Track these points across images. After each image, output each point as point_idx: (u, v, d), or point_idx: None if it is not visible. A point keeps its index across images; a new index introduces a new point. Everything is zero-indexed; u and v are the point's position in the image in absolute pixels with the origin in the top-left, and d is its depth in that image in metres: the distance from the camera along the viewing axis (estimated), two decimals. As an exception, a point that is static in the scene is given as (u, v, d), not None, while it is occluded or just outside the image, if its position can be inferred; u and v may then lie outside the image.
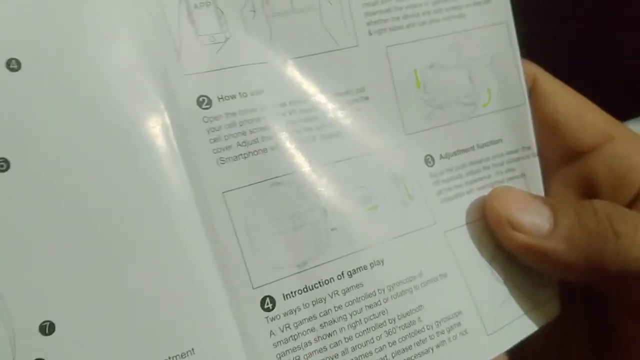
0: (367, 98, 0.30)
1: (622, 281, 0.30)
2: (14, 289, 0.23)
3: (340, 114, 0.29)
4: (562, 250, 0.30)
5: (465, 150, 0.32)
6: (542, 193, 0.34)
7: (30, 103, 0.24)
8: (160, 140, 0.26)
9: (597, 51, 0.44)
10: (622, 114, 0.34)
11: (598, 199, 0.32)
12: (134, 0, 0.26)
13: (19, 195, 0.24)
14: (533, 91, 0.34)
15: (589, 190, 0.33)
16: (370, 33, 0.30)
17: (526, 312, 0.32)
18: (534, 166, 0.34)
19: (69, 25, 0.25)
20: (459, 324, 0.30)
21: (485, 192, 0.32)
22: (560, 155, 0.34)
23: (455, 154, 0.32)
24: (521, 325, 0.32)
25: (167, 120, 0.26)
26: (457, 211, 0.32)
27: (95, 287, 0.24)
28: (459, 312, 0.30)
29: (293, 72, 0.28)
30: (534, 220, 0.31)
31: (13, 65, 0.24)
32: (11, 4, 0.24)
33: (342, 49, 0.29)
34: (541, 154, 0.34)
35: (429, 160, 0.31)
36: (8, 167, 0.24)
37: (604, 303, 0.33)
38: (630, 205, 0.32)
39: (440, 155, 0.32)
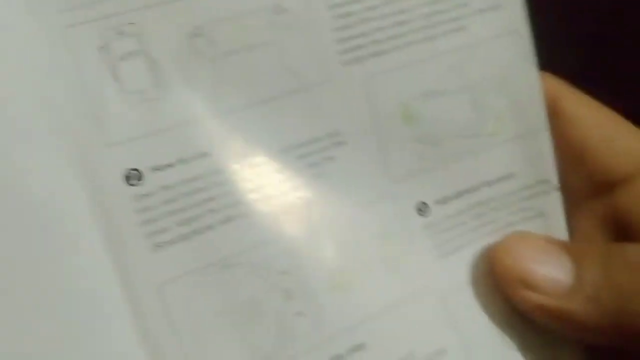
0: (342, 143, 0.25)
1: None
2: None
3: (308, 168, 0.24)
4: (585, 313, 0.25)
5: (468, 191, 0.27)
6: (564, 235, 0.28)
7: None
8: (78, 232, 0.21)
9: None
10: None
11: (632, 242, 0.26)
12: (36, 55, 0.21)
13: None
14: (554, 112, 0.28)
15: (621, 229, 0.28)
16: (344, 63, 0.25)
17: None
18: (555, 203, 0.28)
19: None
20: None
21: (494, 238, 0.27)
22: (586, 188, 0.28)
23: (455, 196, 0.27)
24: None
25: (88, 205, 0.21)
26: (459, 267, 0.27)
27: None
28: None
29: (246, 125, 0.23)
30: (551, 274, 0.25)
31: None
32: None
33: (308, 86, 0.24)
34: (564, 187, 0.28)
35: (422, 209, 0.26)
36: None
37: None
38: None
39: (437, 200, 0.26)
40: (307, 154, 0.24)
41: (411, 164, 0.26)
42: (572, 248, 0.27)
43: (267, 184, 0.24)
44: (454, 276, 0.26)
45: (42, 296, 0.21)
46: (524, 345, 0.27)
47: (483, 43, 0.27)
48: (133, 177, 0.22)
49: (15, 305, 0.21)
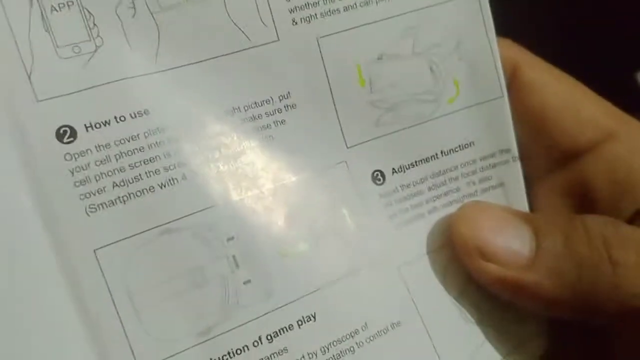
0: (293, 106, 0.24)
1: (621, 319, 0.24)
2: None
3: (256, 131, 0.23)
4: (544, 284, 0.24)
5: (426, 160, 0.26)
6: (525, 206, 0.27)
7: None
8: (6, 192, 0.20)
9: (598, 24, 0.36)
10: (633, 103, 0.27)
11: (593, 214, 0.25)
12: None
13: None
14: (514, 80, 0.27)
15: (584, 200, 0.27)
16: (294, 22, 0.23)
17: (507, 355, 0.26)
18: (515, 173, 0.27)
19: None
20: None
21: (453, 209, 0.26)
22: (549, 158, 0.27)
23: (412, 165, 0.26)
24: None
25: (15, 164, 0.20)
26: (416, 238, 0.25)
27: None
28: None
29: (189, 83, 0.22)
30: (510, 245, 0.24)
31: None
32: None
33: (256, 46, 0.23)
34: (525, 158, 0.27)
35: (377, 177, 0.25)
36: None
37: (603, 336, 0.27)
38: (633, 219, 0.26)
39: (393, 169, 0.25)
40: (256, 116, 0.23)
41: (366, 129, 0.25)
42: (532, 218, 0.26)
43: (212, 146, 0.22)
44: (411, 247, 0.25)
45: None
46: (483, 320, 0.26)
47: (439, 5, 0.26)
48: (66, 134, 0.21)
49: None
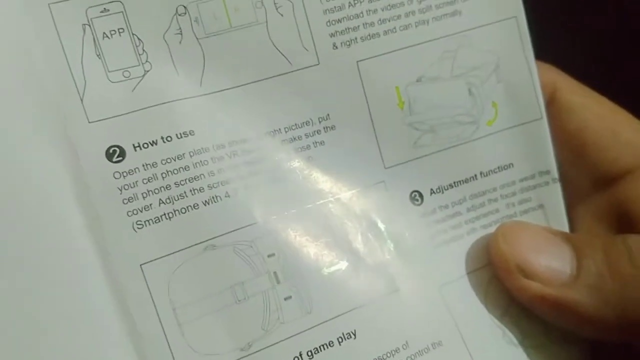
0: (332, 127, 0.24)
1: None
2: None
3: (296, 151, 0.24)
4: (587, 303, 0.24)
5: (465, 181, 0.26)
6: (565, 228, 0.27)
7: None
8: (58, 209, 0.21)
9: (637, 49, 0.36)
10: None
11: (634, 234, 0.25)
12: (20, 30, 0.21)
13: None
14: (553, 102, 0.27)
15: (623, 224, 0.27)
16: (335, 46, 0.24)
17: None
18: (555, 195, 0.27)
19: None
20: None
21: (492, 230, 0.26)
22: (588, 181, 0.27)
23: (451, 186, 0.26)
24: None
25: (67, 182, 0.21)
26: (456, 258, 0.26)
27: None
28: None
29: (232, 106, 0.23)
30: (551, 264, 0.24)
31: None
32: None
33: (298, 69, 0.24)
34: (564, 180, 0.27)
35: (415, 198, 0.25)
36: None
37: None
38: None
39: (432, 190, 0.26)
40: (296, 138, 0.24)
41: (404, 150, 0.25)
42: (572, 238, 0.26)
43: (253, 165, 0.23)
44: (451, 267, 0.26)
45: (20, 275, 0.21)
46: (525, 342, 0.26)
47: (477, 29, 0.26)
48: (115, 153, 0.22)
49: None
